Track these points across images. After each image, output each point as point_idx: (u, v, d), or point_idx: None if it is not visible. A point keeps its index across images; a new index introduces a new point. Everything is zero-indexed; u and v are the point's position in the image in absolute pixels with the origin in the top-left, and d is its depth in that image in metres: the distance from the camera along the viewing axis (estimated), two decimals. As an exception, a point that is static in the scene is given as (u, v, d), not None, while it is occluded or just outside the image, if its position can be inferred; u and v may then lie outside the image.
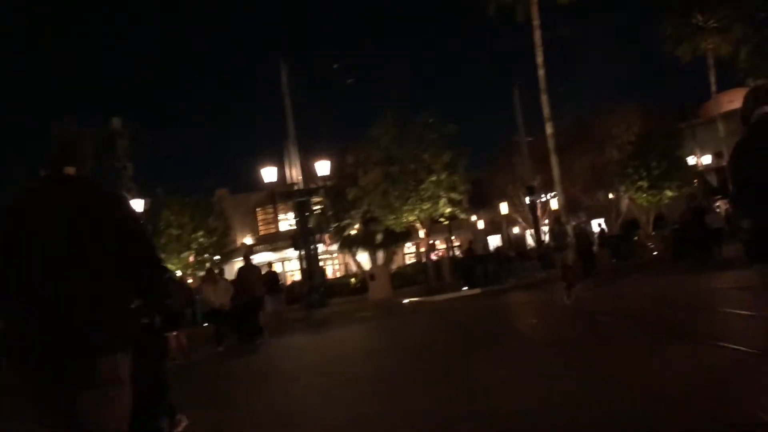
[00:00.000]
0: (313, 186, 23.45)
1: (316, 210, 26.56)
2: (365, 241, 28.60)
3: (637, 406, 4.31)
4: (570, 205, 27.83)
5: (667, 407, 4.13)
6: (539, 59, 26.07)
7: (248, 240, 37.21)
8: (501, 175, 34.30)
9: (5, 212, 2.33)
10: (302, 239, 22.91)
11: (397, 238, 27.98)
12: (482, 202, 34.78)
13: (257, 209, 39.61)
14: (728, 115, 27.26)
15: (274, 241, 36.34)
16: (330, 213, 27.95)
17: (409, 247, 37.89)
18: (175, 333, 11.36)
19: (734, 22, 27.63)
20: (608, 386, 5.01)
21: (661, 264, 19.10)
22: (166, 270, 12.88)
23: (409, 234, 27.76)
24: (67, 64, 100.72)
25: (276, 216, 39.13)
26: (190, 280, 25.78)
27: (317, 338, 13.32)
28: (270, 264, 18.67)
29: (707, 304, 9.24)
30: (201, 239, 27.48)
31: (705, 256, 15.74)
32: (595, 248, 22.74)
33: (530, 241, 34.48)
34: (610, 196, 32.76)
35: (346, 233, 28.52)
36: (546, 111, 26.00)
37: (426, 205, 22.80)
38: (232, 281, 14.04)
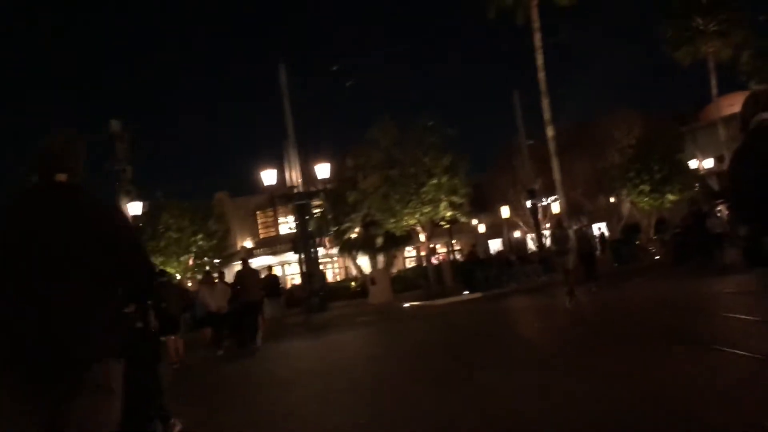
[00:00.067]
0: (313, 189, 23.40)
1: (316, 213, 26.53)
2: (365, 245, 28.55)
3: (637, 409, 4.28)
4: (571, 209, 27.79)
5: (668, 412, 4.11)
6: (539, 62, 26.09)
7: (248, 243, 37.19)
8: (502, 178, 34.29)
9: None
10: (302, 242, 22.87)
11: (397, 241, 27.92)
12: (483, 206, 34.72)
13: (257, 212, 39.59)
14: (729, 119, 27.27)
15: (274, 244, 36.33)
16: (330, 216, 27.91)
17: (410, 251, 37.89)
18: (172, 337, 11.34)
19: (734, 26, 27.67)
20: (609, 389, 5.00)
21: (662, 268, 19.06)
22: (160, 274, 12.86)
23: (409, 237, 27.66)
24: (67, 64, 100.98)
25: (276, 219, 39.10)
26: (189, 284, 25.76)
27: (317, 342, 13.26)
28: (270, 267, 18.61)
29: (708, 308, 9.22)
30: (200, 242, 27.42)
31: (706, 260, 15.67)
32: (597, 253, 22.65)
33: (531, 245, 34.40)
34: (612, 199, 32.73)
35: (346, 237, 28.47)
36: (546, 114, 26.00)
37: (427, 209, 22.73)
38: (230, 284, 14.01)
